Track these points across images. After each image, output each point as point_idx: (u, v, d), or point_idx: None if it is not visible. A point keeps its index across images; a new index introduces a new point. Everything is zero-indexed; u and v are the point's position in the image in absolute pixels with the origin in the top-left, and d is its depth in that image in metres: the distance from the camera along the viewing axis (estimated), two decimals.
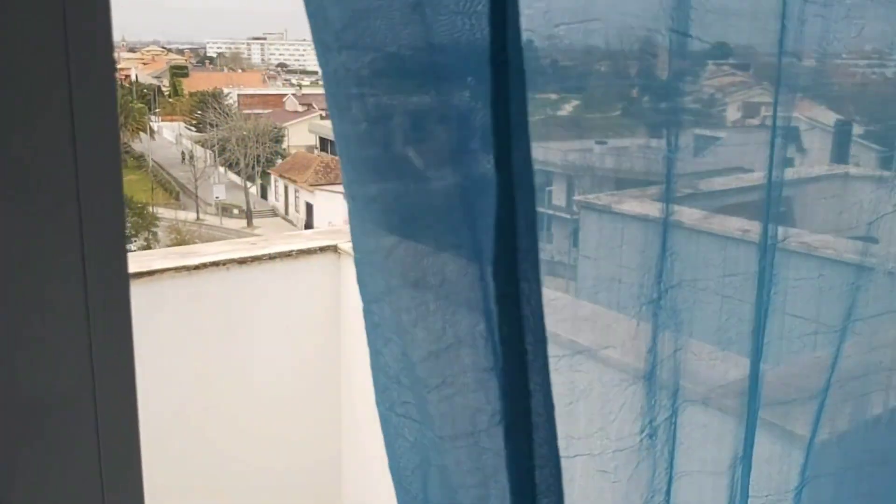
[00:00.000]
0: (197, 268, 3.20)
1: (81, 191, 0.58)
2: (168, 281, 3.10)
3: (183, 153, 63.26)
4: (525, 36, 0.69)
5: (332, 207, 45.94)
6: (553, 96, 0.97)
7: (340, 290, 3.59)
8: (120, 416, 0.63)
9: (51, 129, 0.56)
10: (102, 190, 0.59)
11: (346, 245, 3.57)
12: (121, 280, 0.61)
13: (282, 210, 51.04)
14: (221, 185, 51.48)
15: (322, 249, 3.57)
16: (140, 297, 3.05)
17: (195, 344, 3.23)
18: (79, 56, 0.57)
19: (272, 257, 3.42)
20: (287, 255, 3.47)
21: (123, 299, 0.62)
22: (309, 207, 48.94)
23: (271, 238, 3.70)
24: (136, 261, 3.16)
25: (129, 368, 0.63)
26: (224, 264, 3.27)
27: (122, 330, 0.64)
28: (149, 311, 3.07)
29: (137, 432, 0.64)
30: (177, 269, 3.14)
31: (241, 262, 3.33)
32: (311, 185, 47.59)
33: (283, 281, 3.45)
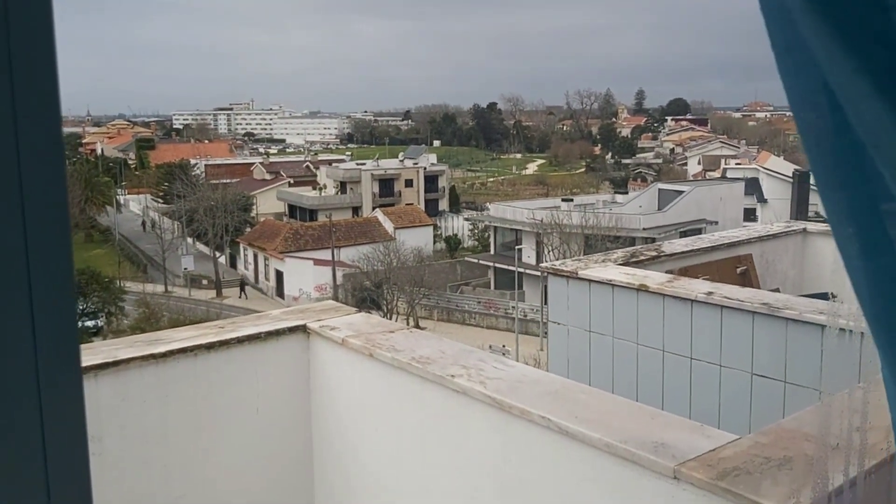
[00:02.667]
0: (164, 355, 3.17)
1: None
2: (135, 371, 3.06)
3: (144, 223, 62.83)
4: None
5: (303, 274, 45.65)
6: None
7: (310, 370, 3.58)
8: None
9: None
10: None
11: (315, 324, 3.57)
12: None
13: (251, 278, 50.58)
14: (189, 256, 51.10)
15: (291, 330, 3.56)
16: (106, 387, 3.00)
17: (162, 434, 3.18)
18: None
19: (240, 341, 3.40)
20: (256, 337, 3.45)
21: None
22: (279, 275, 48.56)
23: (239, 321, 3.68)
24: (102, 351, 3.13)
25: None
26: (192, 350, 3.25)
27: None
28: (115, 401, 3.02)
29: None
30: (144, 358, 3.11)
31: (209, 347, 3.31)
32: (281, 253, 47.36)
33: (252, 364, 3.43)
